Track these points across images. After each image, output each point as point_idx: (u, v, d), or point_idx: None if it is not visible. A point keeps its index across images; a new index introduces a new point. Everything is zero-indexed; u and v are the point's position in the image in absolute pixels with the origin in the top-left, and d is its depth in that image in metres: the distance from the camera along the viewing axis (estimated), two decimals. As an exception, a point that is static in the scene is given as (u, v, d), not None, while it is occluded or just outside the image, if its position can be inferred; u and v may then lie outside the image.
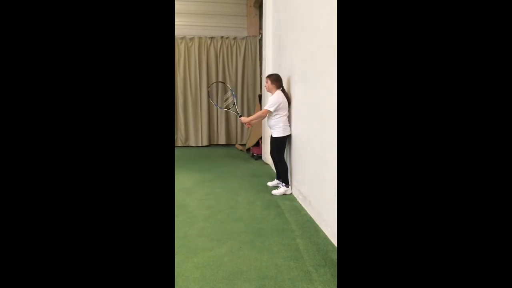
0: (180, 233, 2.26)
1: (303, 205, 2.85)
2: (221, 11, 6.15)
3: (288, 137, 3.25)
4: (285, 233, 2.26)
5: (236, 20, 6.23)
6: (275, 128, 3.17)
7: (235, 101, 3.95)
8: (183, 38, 6.03)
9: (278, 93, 3.16)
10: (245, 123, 3.35)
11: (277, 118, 3.13)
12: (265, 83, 3.33)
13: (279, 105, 3.09)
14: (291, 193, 3.23)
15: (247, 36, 6.24)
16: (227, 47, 6.19)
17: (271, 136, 3.31)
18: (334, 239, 2.08)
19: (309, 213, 2.66)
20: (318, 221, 2.43)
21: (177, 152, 5.62)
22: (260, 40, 6.08)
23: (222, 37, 6.14)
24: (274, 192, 3.20)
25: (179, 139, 6.27)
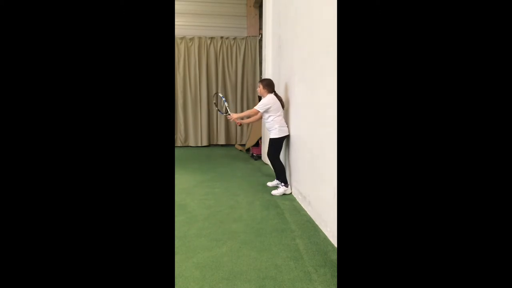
0: (180, 233, 2.26)
1: (302, 205, 2.85)
2: (221, 11, 6.15)
3: (286, 137, 3.27)
4: (285, 233, 2.26)
5: (236, 20, 6.23)
6: (271, 130, 3.24)
7: (227, 105, 3.97)
8: (183, 38, 6.03)
9: (269, 95, 3.22)
10: (234, 120, 3.37)
11: (271, 120, 3.21)
12: (258, 87, 3.39)
13: (269, 106, 3.16)
14: (291, 192, 3.24)
15: (247, 37, 6.24)
16: (227, 47, 6.19)
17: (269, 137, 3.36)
18: (333, 239, 2.08)
19: (308, 213, 2.66)
20: (317, 221, 2.43)
21: (176, 152, 5.62)
22: (260, 40, 6.08)
23: (222, 37, 6.14)
24: (274, 192, 3.22)
25: (179, 139, 6.27)
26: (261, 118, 3.41)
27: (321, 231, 2.30)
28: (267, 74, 4.45)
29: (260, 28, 6.15)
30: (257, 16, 6.21)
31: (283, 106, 3.29)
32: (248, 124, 6.15)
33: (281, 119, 3.22)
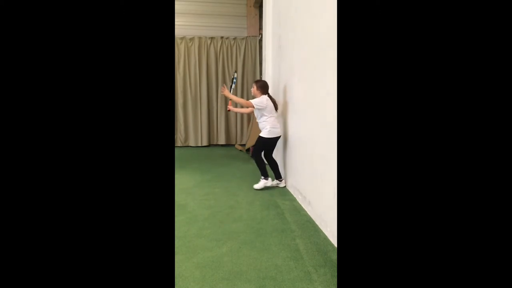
0: (180, 233, 2.26)
1: (302, 205, 2.85)
2: (221, 11, 6.15)
3: (278, 138, 3.38)
4: (285, 233, 2.26)
5: (236, 20, 6.23)
6: (263, 129, 3.37)
7: (233, 87, 3.96)
8: (183, 38, 6.03)
9: (263, 96, 3.32)
10: (225, 94, 3.41)
11: (263, 121, 3.32)
12: (252, 87, 3.46)
13: (264, 107, 3.25)
14: (271, 184, 3.39)
15: (247, 37, 6.24)
16: (227, 47, 6.19)
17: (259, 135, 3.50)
18: (333, 239, 2.08)
19: (308, 213, 2.66)
20: (317, 221, 2.43)
21: (176, 152, 5.62)
22: (260, 41, 6.08)
23: (222, 37, 6.13)
24: (255, 186, 3.37)
25: (179, 139, 6.27)
26: (251, 112, 3.54)
27: (321, 231, 2.30)
28: (267, 74, 4.45)
29: (260, 28, 6.15)
30: (257, 16, 6.21)
31: (276, 108, 3.39)
32: (248, 124, 6.16)
33: (273, 120, 3.31)
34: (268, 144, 3.37)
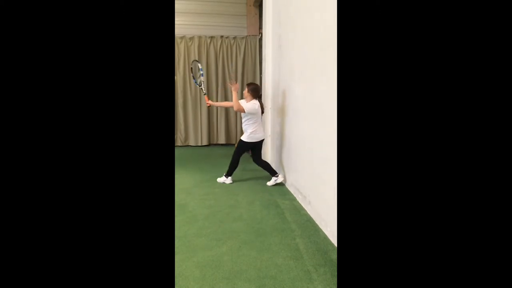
0: (180, 233, 2.27)
1: (302, 204, 2.85)
2: (221, 11, 6.14)
3: (257, 143, 3.50)
4: (285, 233, 2.26)
5: (236, 19, 6.22)
6: (244, 131, 3.52)
7: (202, 79, 3.95)
8: (183, 37, 6.02)
9: (255, 102, 3.40)
10: (232, 90, 3.45)
11: (246, 124, 3.46)
12: (244, 89, 3.56)
13: (254, 113, 3.38)
14: (230, 183, 3.57)
15: (247, 36, 6.23)
16: (227, 47, 6.19)
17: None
18: (333, 239, 2.08)
19: (308, 213, 2.66)
20: (317, 220, 2.43)
21: (176, 151, 5.61)
22: (260, 40, 6.08)
23: (222, 36, 6.13)
24: (218, 179, 3.62)
25: (179, 139, 6.27)
26: (230, 106, 3.66)
27: (321, 230, 2.30)
28: (267, 73, 4.44)
29: (260, 27, 6.14)
30: (257, 16, 6.20)
31: (262, 112, 3.50)
32: None
33: (256, 125, 3.43)
34: (248, 147, 3.51)
